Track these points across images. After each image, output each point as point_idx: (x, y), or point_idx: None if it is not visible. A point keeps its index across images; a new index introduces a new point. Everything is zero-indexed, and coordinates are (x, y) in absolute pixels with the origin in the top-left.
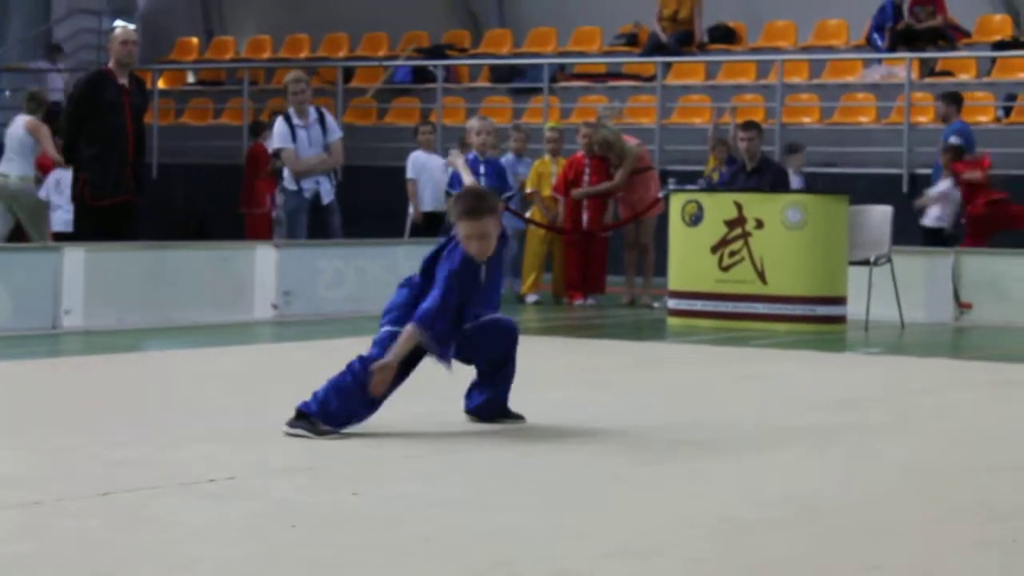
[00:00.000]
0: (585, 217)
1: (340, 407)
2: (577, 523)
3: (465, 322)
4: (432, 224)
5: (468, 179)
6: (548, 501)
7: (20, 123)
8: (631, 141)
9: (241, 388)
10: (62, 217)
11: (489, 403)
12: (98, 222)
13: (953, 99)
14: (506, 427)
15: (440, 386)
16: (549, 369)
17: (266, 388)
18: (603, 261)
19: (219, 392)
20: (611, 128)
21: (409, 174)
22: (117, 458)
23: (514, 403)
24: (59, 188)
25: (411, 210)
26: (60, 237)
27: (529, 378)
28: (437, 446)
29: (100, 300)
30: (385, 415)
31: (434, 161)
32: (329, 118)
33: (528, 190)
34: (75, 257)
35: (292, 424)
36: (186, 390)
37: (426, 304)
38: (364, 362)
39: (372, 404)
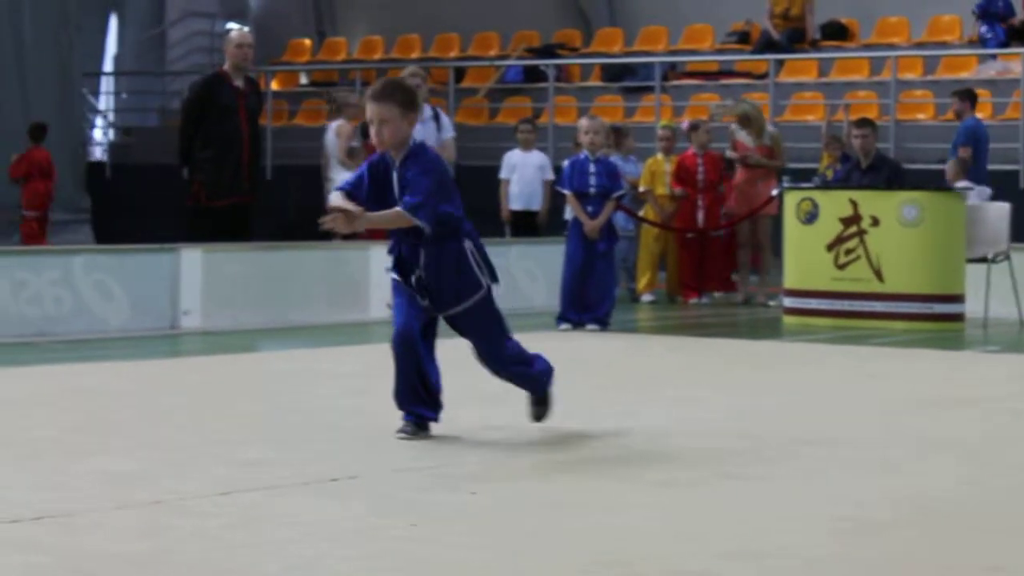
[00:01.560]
0: (700, 216)
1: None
2: (692, 523)
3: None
4: (525, 222)
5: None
6: (663, 501)
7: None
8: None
9: (358, 388)
10: None
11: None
12: (214, 223)
13: (967, 95)
14: (618, 428)
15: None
16: (664, 368)
17: (382, 388)
18: (718, 260)
19: (336, 392)
20: (752, 103)
21: (502, 173)
22: (237, 457)
23: (630, 401)
24: None
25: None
26: None
27: (644, 377)
28: (550, 446)
29: (217, 301)
30: (495, 416)
31: (531, 159)
32: (444, 116)
33: (641, 188)
34: (192, 258)
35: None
36: (303, 390)
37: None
38: None
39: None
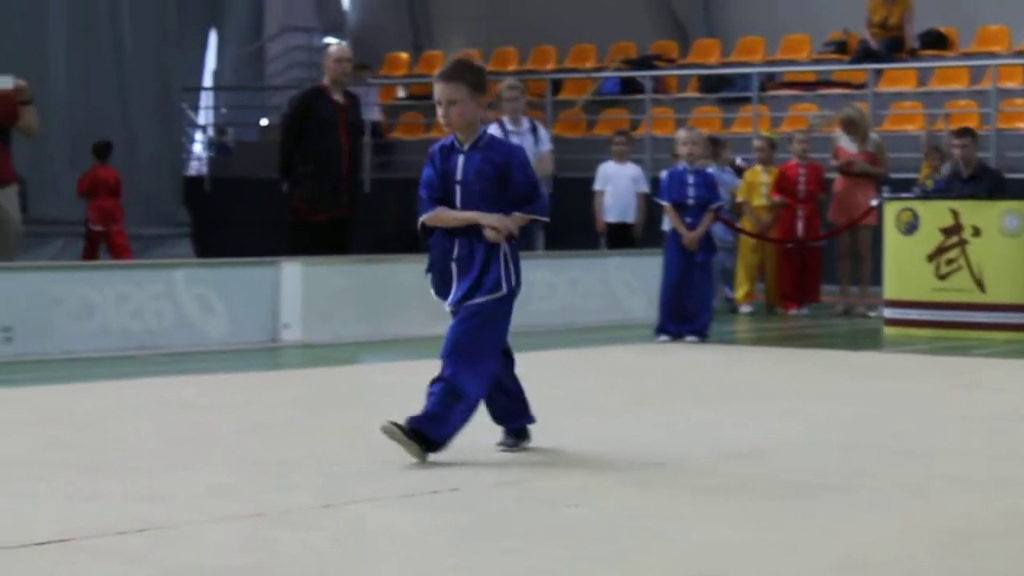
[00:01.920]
0: (800, 226)
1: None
2: (792, 535)
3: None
4: (620, 234)
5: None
6: (763, 512)
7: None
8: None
9: None
10: None
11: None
12: (313, 237)
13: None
14: (716, 439)
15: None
16: (763, 380)
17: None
18: (818, 270)
19: None
20: (857, 108)
21: (596, 185)
22: (337, 470)
23: (728, 413)
24: None
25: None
26: None
27: (743, 389)
28: (647, 461)
29: (317, 314)
30: (592, 428)
31: (625, 171)
32: (541, 129)
33: (739, 200)
34: (292, 272)
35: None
36: (403, 403)
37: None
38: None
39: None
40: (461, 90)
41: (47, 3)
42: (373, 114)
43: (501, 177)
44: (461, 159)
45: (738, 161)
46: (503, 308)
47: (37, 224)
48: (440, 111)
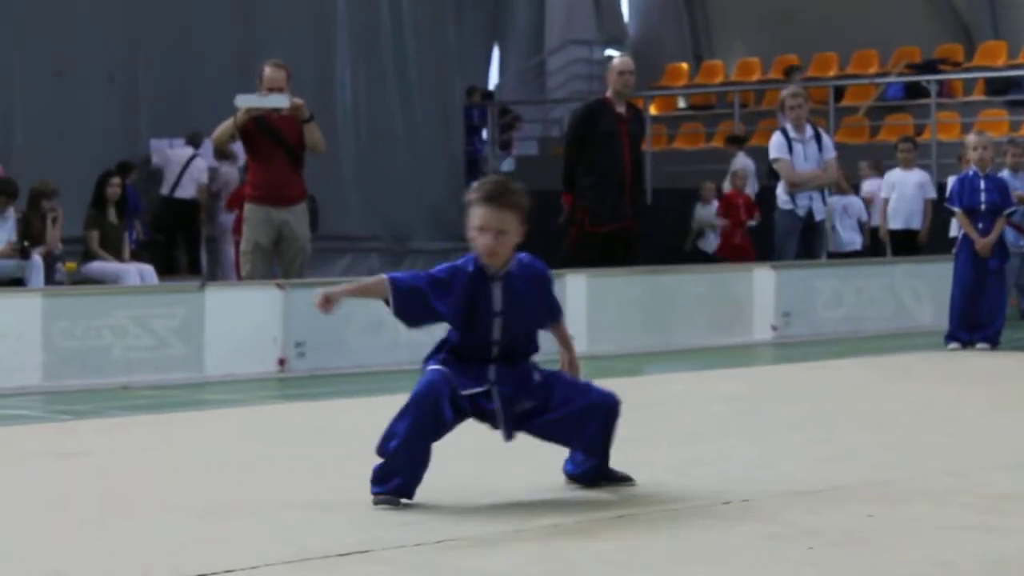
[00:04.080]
0: None
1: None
2: None
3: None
4: (905, 241)
5: None
6: None
7: None
8: None
9: (744, 410)
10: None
11: (593, 469)
12: (597, 249)
13: None
14: (1011, 449)
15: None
16: None
17: (769, 409)
18: None
19: (722, 415)
20: None
21: (882, 192)
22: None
23: (1018, 416)
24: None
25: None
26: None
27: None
28: (935, 468)
29: (602, 325)
30: (887, 437)
31: (911, 178)
32: (825, 136)
33: None
34: (577, 283)
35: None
36: (687, 414)
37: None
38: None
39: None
40: (513, 220)
41: (334, 22)
42: None
43: (542, 298)
44: (495, 288)
45: None
46: None
47: (326, 240)
48: (484, 239)
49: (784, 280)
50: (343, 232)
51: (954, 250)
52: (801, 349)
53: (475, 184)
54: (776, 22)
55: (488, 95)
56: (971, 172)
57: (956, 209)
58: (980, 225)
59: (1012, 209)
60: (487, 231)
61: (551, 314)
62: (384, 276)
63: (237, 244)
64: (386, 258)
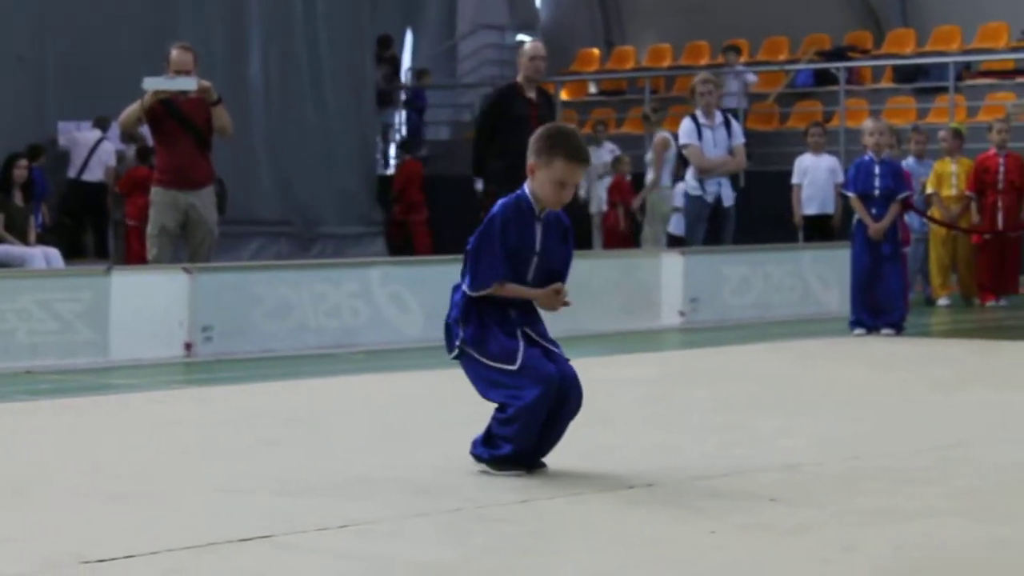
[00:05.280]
0: (1000, 217)
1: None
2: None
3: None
4: (819, 228)
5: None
6: (964, 507)
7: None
8: None
9: (651, 395)
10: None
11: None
12: None
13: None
14: (917, 433)
15: None
16: (963, 373)
17: (676, 395)
18: (1016, 262)
19: (630, 400)
20: None
21: (794, 178)
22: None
23: (923, 401)
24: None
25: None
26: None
27: (944, 381)
28: (854, 454)
29: None
30: (795, 424)
31: (822, 163)
32: (735, 123)
33: (928, 191)
34: None
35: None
36: (596, 399)
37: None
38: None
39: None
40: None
41: (246, 5)
42: None
43: (565, 244)
44: (539, 228)
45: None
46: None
47: (235, 224)
48: (566, 193)
49: (692, 266)
50: (252, 216)
51: (851, 235)
52: (708, 334)
53: (553, 133)
54: (687, 9)
55: (424, 73)
56: (867, 157)
57: (851, 194)
58: (874, 211)
59: (907, 194)
60: (569, 186)
61: (568, 262)
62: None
63: (127, 226)
64: (295, 242)
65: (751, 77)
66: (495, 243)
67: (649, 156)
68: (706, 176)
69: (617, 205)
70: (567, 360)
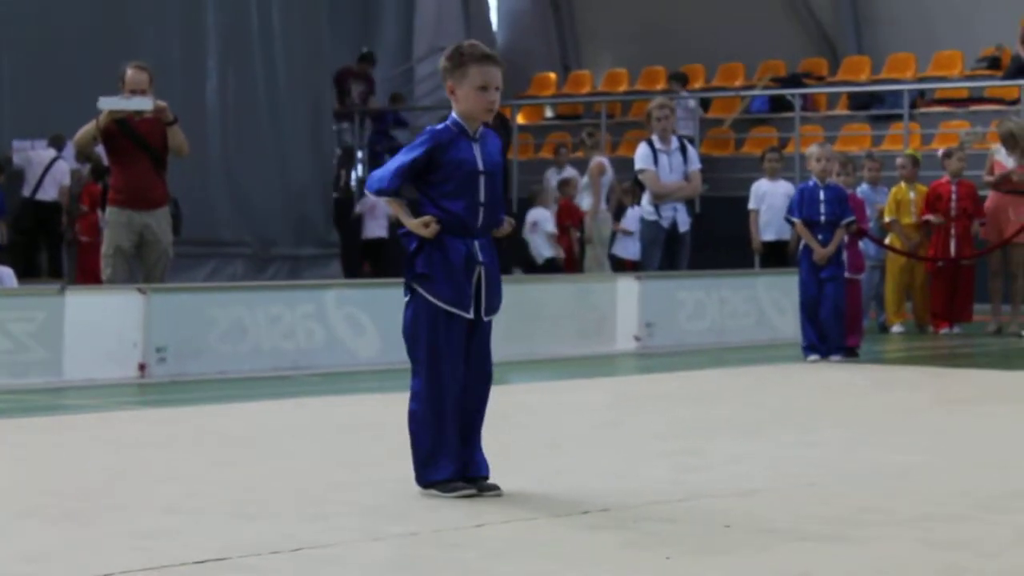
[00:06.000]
0: (952, 244)
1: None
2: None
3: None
4: (777, 253)
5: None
6: (920, 535)
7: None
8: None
9: (607, 420)
10: None
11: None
12: None
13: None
14: (874, 461)
15: None
16: (917, 399)
17: (630, 419)
18: (970, 289)
19: (585, 424)
20: (1017, 121)
21: (751, 204)
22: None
23: (876, 427)
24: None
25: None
26: None
27: (898, 407)
28: (796, 481)
29: None
30: (750, 449)
31: (779, 188)
32: (691, 148)
33: (887, 219)
34: None
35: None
36: (551, 423)
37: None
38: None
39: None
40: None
41: (202, 26)
42: None
43: (503, 160)
44: (476, 148)
45: (985, 178)
46: None
47: (191, 244)
48: (492, 96)
49: (647, 290)
50: (208, 237)
51: (797, 261)
52: (663, 359)
53: (454, 47)
54: (644, 34)
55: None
56: (811, 183)
57: (796, 220)
58: (820, 236)
59: (851, 219)
60: (492, 88)
61: (505, 178)
62: (395, 199)
63: (80, 243)
64: (251, 263)
65: (692, 103)
66: (412, 156)
67: (585, 181)
68: (661, 201)
69: (568, 229)
70: None
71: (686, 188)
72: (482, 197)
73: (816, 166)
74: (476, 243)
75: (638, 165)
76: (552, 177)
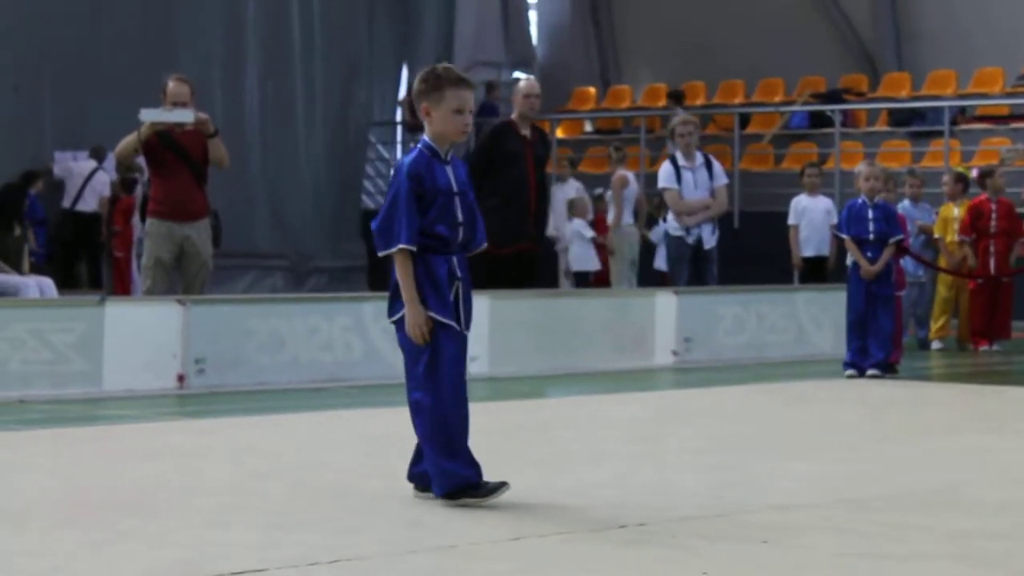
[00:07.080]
0: (992, 262)
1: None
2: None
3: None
4: (816, 269)
5: None
6: (952, 551)
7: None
8: None
9: (643, 434)
10: None
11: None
12: (500, 271)
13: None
14: (905, 477)
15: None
16: (957, 416)
17: (669, 434)
18: (1009, 306)
19: (622, 438)
20: None
21: (791, 219)
22: (526, 503)
23: (915, 444)
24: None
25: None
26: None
27: (938, 424)
28: (835, 497)
29: (504, 347)
30: (786, 466)
31: (819, 204)
32: (716, 164)
33: (936, 236)
34: (479, 305)
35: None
36: (589, 436)
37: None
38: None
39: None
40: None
41: (243, 38)
42: None
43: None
44: (449, 170)
45: None
46: None
47: (230, 256)
48: (466, 119)
49: (685, 305)
50: (247, 249)
51: (847, 278)
52: (701, 374)
53: (429, 69)
54: (684, 49)
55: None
56: (860, 200)
57: (845, 236)
58: (869, 254)
59: (899, 237)
60: (467, 111)
61: (542, 191)
62: (407, 253)
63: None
64: (290, 276)
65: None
66: (410, 200)
67: (609, 194)
68: (687, 222)
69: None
70: None
71: (712, 207)
72: (460, 217)
73: (865, 185)
74: (455, 259)
75: (661, 183)
76: (556, 192)
